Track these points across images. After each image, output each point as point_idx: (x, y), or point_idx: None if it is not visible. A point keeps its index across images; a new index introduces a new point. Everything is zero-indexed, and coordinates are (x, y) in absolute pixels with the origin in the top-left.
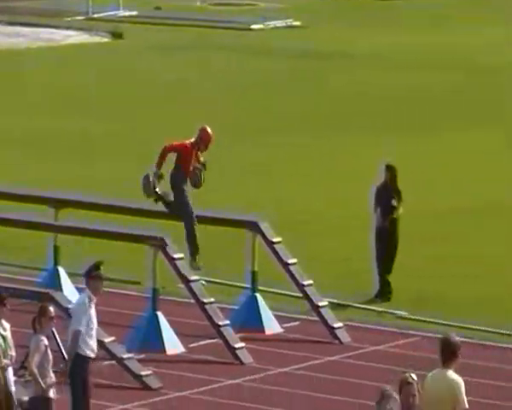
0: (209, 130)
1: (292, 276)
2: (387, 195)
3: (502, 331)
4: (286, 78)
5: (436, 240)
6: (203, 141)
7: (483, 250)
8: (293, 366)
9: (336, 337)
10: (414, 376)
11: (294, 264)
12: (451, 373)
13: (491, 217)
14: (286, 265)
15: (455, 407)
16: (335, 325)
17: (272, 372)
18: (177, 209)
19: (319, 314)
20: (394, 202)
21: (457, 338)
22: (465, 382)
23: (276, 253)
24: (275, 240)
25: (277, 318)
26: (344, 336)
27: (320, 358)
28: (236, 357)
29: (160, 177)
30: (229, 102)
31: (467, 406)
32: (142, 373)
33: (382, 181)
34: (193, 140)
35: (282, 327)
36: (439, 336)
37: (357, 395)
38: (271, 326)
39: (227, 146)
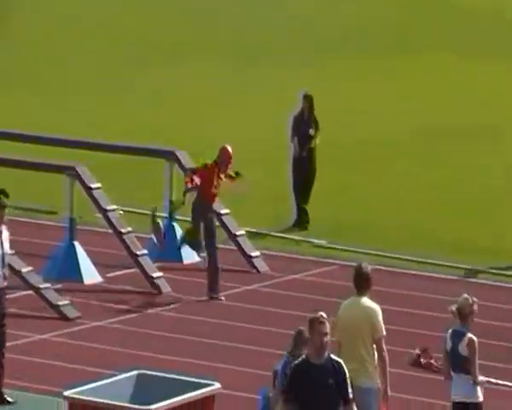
0: (229, 149)
1: None
2: (305, 124)
3: (415, 259)
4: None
5: (355, 169)
6: (224, 161)
7: (405, 179)
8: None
9: (254, 266)
10: (324, 315)
11: None
12: (367, 300)
13: (416, 145)
14: None
15: (373, 335)
16: (253, 254)
17: (190, 302)
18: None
19: (236, 243)
20: (311, 132)
21: (370, 266)
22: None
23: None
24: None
25: None
26: (261, 265)
27: (237, 287)
28: (154, 286)
29: (182, 203)
30: (128, 34)
31: (384, 333)
32: (60, 303)
33: (299, 110)
34: (211, 162)
35: (199, 256)
36: (355, 264)
37: (274, 324)
38: (189, 255)
39: (142, 74)
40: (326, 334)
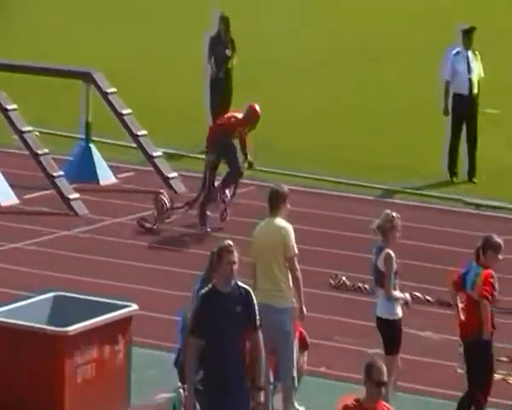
0: (258, 108)
1: (126, 126)
2: (221, 45)
3: (331, 179)
4: None
5: (272, 88)
6: (251, 120)
7: (319, 100)
8: (128, 217)
9: (171, 187)
10: (232, 243)
11: (129, 114)
12: (280, 220)
13: (332, 67)
14: (120, 115)
15: (285, 254)
16: (170, 175)
17: (107, 223)
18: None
19: (154, 165)
20: (228, 52)
21: (285, 187)
22: (294, 229)
23: (110, 103)
24: (109, 90)
25: (112, 168)
26: (179, 187)
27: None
28: (71, 208)
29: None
30: None
31: (296, 251)
32: None
33: (216, 31)
34: (240, 117)
35: (116, 178)
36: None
37: (194, 246)
38: (106, 177)
39: None
40: (234, 263)
